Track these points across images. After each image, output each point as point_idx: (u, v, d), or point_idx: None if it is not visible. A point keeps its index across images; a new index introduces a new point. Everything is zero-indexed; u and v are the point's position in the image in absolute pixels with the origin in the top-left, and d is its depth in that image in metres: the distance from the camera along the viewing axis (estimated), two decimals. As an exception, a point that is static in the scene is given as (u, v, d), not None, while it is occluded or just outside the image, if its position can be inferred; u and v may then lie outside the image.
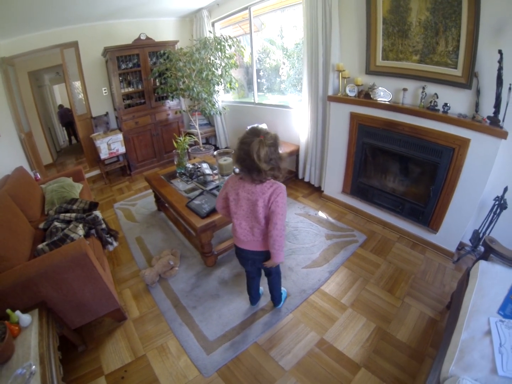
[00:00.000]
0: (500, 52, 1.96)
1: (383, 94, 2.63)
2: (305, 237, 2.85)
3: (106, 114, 4.39)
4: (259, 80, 4.96)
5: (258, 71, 4.76)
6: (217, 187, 2.82)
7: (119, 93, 3.98)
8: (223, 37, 3.62)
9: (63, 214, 2.38)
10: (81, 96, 4.35)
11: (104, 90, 4.31)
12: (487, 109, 2.16)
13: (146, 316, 2.20)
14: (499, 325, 1.34)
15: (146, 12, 3.94)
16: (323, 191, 3.55)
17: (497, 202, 2.19)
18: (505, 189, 2.15)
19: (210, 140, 5.25)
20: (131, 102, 4.17)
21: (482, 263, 1.71)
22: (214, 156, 2.84)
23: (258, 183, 1.53)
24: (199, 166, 3.19)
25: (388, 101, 2.63)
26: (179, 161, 3.24)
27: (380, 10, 2.48)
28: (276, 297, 2.14)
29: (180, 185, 3.03)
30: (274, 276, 2.02)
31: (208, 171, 3.09)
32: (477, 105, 2.23)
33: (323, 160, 3.44)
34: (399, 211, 2.80)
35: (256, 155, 1.39)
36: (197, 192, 2.81)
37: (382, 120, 2.63)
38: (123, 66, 3.98)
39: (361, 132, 2.84)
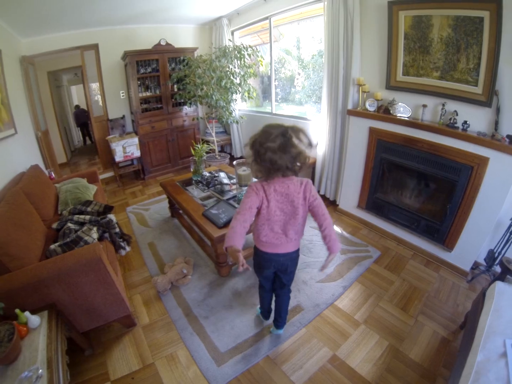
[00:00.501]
0: None
1: (402, 110, 2.62)
2: (320, 251, 2.84)
3: (123, 117, 4.44)
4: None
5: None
6: (234, 197, 2.82)
7: (137, 97, 4.02)
8: (243, 46, 3.65)
9: (77, 216, 2.40)
10: (98, 97, 4.41)
11: (122, 93, 4.36)
12: (506, 128, 2.16)
13: (156, 324, 2.20)
14: None
15: (166, 18, 4.00)
16: (338, 205, 3.53)
17: (514, 223, 2.16)
18: (524, 210, 2.12)
19: (225, 148, 5.29)
20: (148, 106, 4.22)
21: (498, 284, 1.69)
22: (234, 165, 2.85)
23: (290, 182, 1.49)
24: (217, 175, 3.21)
25: (407, 117, 2.62)
26: (195, 169, 3.26)
27: (402, 25, 2.48)
28: (283, 318, 2.03)
29: (195, 192, 3.04)
30: (287, 291, 1.95)
31: (226, 180, 3.09)
32: (496, 123, 2.21)
33: (339, 174, 3.43)
34: (414, 228, 2.77)
35: (288, 153, 1.37)
36: (213, 201, 2.82)
37: (401, 136, 2.62)
38: (142, 71, 4.03)
39: (379, 148, 2.83)
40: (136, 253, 2.96)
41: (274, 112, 4.39)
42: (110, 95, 4.28)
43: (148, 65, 4.06)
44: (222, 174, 3.23)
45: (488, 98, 2.21)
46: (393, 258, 2.74)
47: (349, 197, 3.30)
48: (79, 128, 7.33)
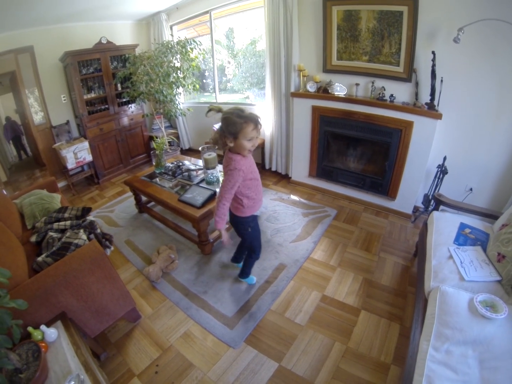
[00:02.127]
0: (433, 52, 2.44)
1: (339, 89, 3.03)
2: (285, 217, 3.13)
3: (67, 123, 4.06)
4: (204, 81, 5.10)
5: (204, 71, 4.90)
6: (203, 180, 2.92)
7: (81, 99, 3.73)
8: (187, 40, 3.66)
9: (57, 224, 2.25)
10: (33, 103, 3.90)
11: (63, 97, 3.98)
12: (424, 98, 2.66)
13: (160, 311, 2.22)
14: (456, 251, 1.79)
15: (103, 15, 3.77)
16: (290, 177, 3.85)
17: (439, 169, 2.71)
18: (444, 158, 2.68)
19: (172, 142, 5.21)
20: (93, 108, 3.94)
21: (435, 213, 2.19)
22: (199, 151, 2.94)
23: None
24: (181, 163, 3.25)
25: (343, 95, 3.04)
26: (157, 161, 3.24)
27: (335, 18, 2.86)
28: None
29: (164, 183, 3.05)
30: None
31: (192, 167, 3.17)
32: (416, 94, 2.72)
33: (288, 150, 3.76)
34: (361, 186, 3.25)
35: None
36: (184, 188, 2.89)
37: (340, 111, 3.03)
38: (84, 71, 3.75)
39: (322, 122, 3.21)
40: (116, 253, 2.84)
41: (218, 101, 4.50)
42: (51, 100, 3.87)
43: (90, 65, 3.80)
44: (187, 162, 3.29)
45: (408, 75, 2.70)
46: (348, 213, 3.18)
47: (300, 168, 3.65)
48: (11, 143, 6.35)
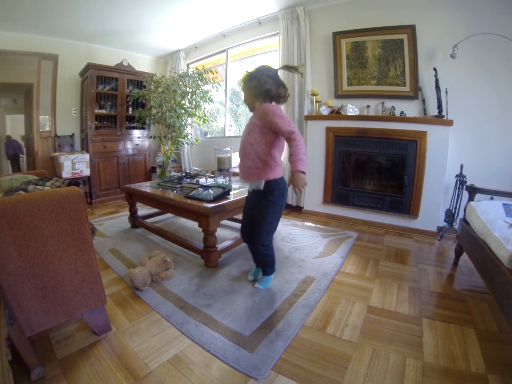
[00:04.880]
0: (434, 69, 2.46)
1: (352, 110, 2.88)
2: (302, 238, 2.52)
3: (72, 136, 3.62)
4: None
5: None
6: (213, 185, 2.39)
7: (92, 112, 3.40)
8: (204, 70, 3.57)
9: (33, 186, 1.59)
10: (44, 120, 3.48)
11: (74, 110, 3.64)
12: (432, 111, 2.57)
13: (139, 325, 1.43)
14: None
15: (128, 44, 3.76)
16: (302, 207, 3.34)
17: (458, 178, 2.40)
18: (462, 166, 2.39)
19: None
20: (101, 125, 3.58)
21: (472, 203, 1.91)
22: (216, 149, 2.50)
23: None
24: (188, 171, 2.73)
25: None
26: (162, 171, 2.75)
27: (344, 49, 2.91)
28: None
29: (169, 189, 2.48)
30: None
31: (202, 171, 2.66)
32: (424, 110, 2.63)
33: None
34: (380, 207, 2.79)
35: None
36: (192, 190, 2.33)
37: (354, 129, 2.80)
38: (101, 87, 3.52)
39: (337, 142, 2.94)
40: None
41: (227, 135, 4.26)
42: (61, 110, 3.52)
43: (107, 82, 3.59)
44: (195, 168, 2.78)
45: (415, 93, 2.65)
46: (370, 236, 2.62)
47: (314, 196, 3.18)
48: (9, 161, 5.67)
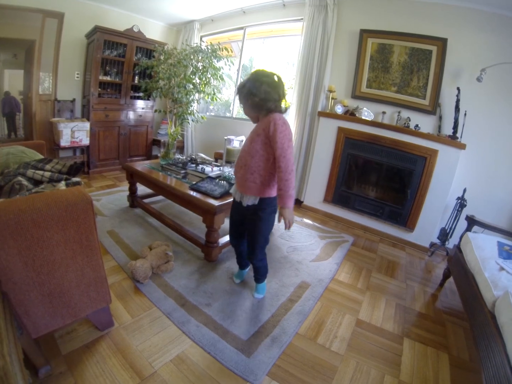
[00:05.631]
0: (458, 88, 2.37)
1: (366, 114, 2.78)
2: (300, 237, 2.54)
3: (73, 101, 3.36)
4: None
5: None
6: (219, 177, 2.31)
7: (96, 78, 3.14)
8: (219, 46, 3.29)
9: (32, 171, 1.48)
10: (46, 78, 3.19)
11: (77, 74, 3.36)
12: (447, 130, 2.51)
13: (142, 321, 1.43)
14: (505, 262, 1.58)
15: (140, 7, 3.42)
16: (302, 202, 3.32)
17: (459, 201, 2.42)
18: (464, 190, 2.40)
19: (176, 151, 4.56)
20: (104, 92, 3.34)
21: (469, 234, 1.94)
22: (225, 139, 2.38)
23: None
24: (194, 156, 2.62)
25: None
26: (166, 152, 2.62)
27: (369, 49, 2.75)
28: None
29: (173, 174, 2.39)
30: None
31: (209, 160, 2.55)
32: (439, 127, 2.57)
33: (304, 173, 3.30)
34: (379, 215, 2.81)
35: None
36: (196, 179, 2.24)
37: (367, 134, 2.73)
38: (107, 52, 3.22)
39: (347, 144, 2.87)
40: (94, 241, 2.03)
41: (234, 116, 4.05)
42: (63, 74, 3.23)
43: (115, 48, 3.28)
44: (202, 155, 2.67)
45: (433, 108, 2.57)
46: (365, 242, 2.66)
47: (315, 193, 3.16)
48: (4, 119, 5.28)
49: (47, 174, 1.50)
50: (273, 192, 1.44)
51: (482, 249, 1.71)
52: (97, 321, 1.30)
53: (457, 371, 1.40)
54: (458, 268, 1.86)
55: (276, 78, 1.33)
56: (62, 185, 1.38)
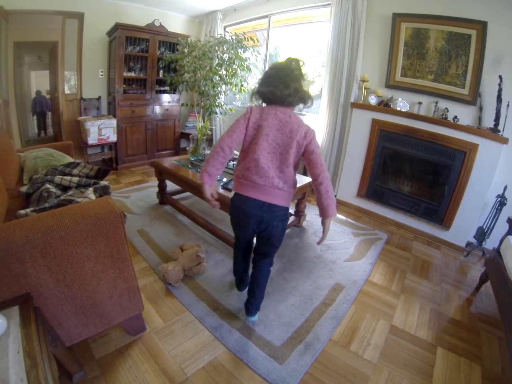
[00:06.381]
0: (500, 77, 2.13)
1: (402, 105, 2.58)
2: (333, 234, 2.46)
3: (99, 98, 3.39)
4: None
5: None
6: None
7: (120, 75, 3.12)
8: (244, 36, 3.14)
9: (60, 177, 1.49)
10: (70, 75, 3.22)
11: (101, 72, 3.36)
12: (488, 123, 2.29)
13: (174, 325, 1.43)
14: None
15: (159, 1, 3.32)
16: (335, 196, 3.19)
17: (499, 199, 2.23)
18: (505, 188, 2.21)
19: (205, 143, 4.51)
20: (129, 88, 3.32)
21: (510, 238, 1.76)
22: None
23: (292, 113, 1.24)
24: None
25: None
26: (195, 148, 2.56)
27: (403, 34, 2.52)
28: (257, 300, 1.44)
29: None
30: (269, 263, 1.44)
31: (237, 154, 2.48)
32: (480, 119, 2.34)
33: (337, 166, 3.16)
34: (414, 212, 2.64)
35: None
36: (227, 178, 2.19)
37: (402, 127, 2.54)
38: (130, 49, 3.18)
39: (381, 137, 2.69)
40: (125, 242, 2.05)
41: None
42: (87, 72, 3.24)
43: (137, 44, 3.23)
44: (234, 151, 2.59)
45: (473, 98, 2.33)
46: (399, 240, 2.54)
47: (348, 187, 3.02)
48: (35, 117, 5.47)
49: (75, 179, 1.51)
50: (235, 184, 1.33)
51: (524, 256, 1.55)
52: (130, 327, 1.32)
53: (489, 384, 1.32)
54: (497, 275, 1.71)
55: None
56: (90, 192, 1.37)
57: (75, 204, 1.14)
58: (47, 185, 1.41)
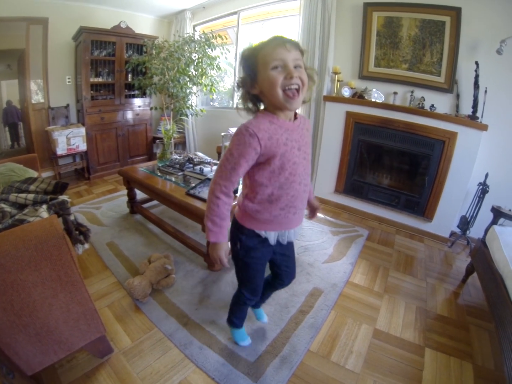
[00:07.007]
0: (476, 63, 2.06)
1: (376, 96, 2.49)
2: (311, 234, 2.33)
3: (67, 106, 3.19)
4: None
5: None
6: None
7: (87, 81, 2.94)
8: (212, 34, 3.00)
9: (15, 195, 1.34)
10: (37, 83, 3.03)
11: (68, 79, 3.17)
12: (465, 110, 2.21)
13: (142, 344, 1.31)
14: None
15: (126, 2, 3.16)
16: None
17: (481, 187, 2.15)
18: (486, 175, 2.13)
19: (177, 147, 4.34)
20: (98, 94, 3.15)
21: (495, 228, 1.68)
22: (222, 136, 2.17)
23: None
24: (192, 156, 2.42)
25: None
26: (162, 153, 2.43)
27: (375, 24, 2.42)
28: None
29: (168, 176, 2.21)
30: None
31: (208, 159, 2.35)
32: (457, 106, 2.27)
33: (313, 161, 3.03)
34: (395, 205, 2.55)
35: None
36: (194, 182, 2.07)
37: (378, 118, 2.44)
38: (96, 53, 3.01)
39: (357, 130, 2.58)
40: (93, 256, 1.91)
41: (236, 107, 3.76)
42: (54, 80, 3.06)
43: (103, 47, 3.06)
44: (200, 154, 2.47)
45: (450, 86, 2.26)
46: (380, 235, 2.44)
47: (325, 183, 2.91)
48: (7, 129, 5.17)
49: (31, 196, 1.36)
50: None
51: (511, 247, 1.47)
52: (95, 351, 1.20)
53: (482, 383, 1.25)
54: (484, 266, 1.63)
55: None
56: (43, 209, 1.22)
57: (18, 227, 1.00)
58: (2, 205, 1.26)
